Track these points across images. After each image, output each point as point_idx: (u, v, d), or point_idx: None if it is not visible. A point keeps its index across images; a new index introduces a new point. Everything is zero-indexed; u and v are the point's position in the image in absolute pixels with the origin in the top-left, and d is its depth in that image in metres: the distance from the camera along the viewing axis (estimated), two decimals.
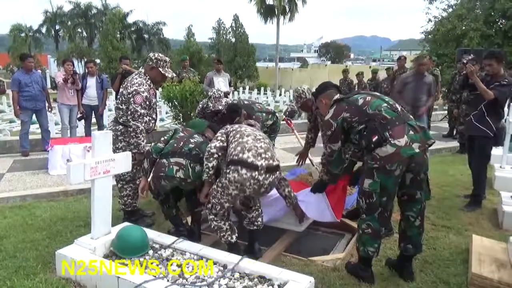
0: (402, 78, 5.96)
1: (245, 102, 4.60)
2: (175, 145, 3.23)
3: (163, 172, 3.11)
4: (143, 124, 3.50)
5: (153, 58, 3.60)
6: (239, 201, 3.10)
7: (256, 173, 2.72)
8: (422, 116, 5.73)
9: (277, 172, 2.89)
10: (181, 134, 3.38)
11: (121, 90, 3.63)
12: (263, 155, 2.79)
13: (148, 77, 3.60)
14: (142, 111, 3.47)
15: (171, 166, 3.10)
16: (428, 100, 5.76)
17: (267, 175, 2.76)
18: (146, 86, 3.53)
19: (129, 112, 3.46)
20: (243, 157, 2.75)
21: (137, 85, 3.48)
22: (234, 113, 4.33)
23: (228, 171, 2.78)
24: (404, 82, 5.77)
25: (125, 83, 3.62)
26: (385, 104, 2.66)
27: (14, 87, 6.46)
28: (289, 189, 3.28)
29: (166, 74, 3.63)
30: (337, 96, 2.90)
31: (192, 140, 3.27)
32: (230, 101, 4.77)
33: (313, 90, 3.33)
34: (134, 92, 3.44)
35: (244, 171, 2.71)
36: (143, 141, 3.53)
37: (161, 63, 3.58)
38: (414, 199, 2.71)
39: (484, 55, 4.43)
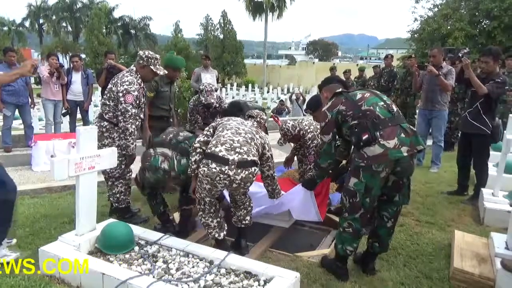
0: (421, 74, 5.81)
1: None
2: (164, 137, 3.25)
3: (148, 161, 3.08)
4: (134, 125, 3.45)
5: (144, 56, 3.54)
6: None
7: (226, 167, 2.63)
8: (441, 112, 5.56)
9: (252, 168, 2.74)
10: (171, 129, 3.40)
11: (109, 86, 3.57)
12: (237, 150, 2.70)
13: (139, 75, 3.55)
14: (134, 110, 3.41)
15: (156, 156, 3.08)
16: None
17: (239, 170, 2.66)
18: (136, 85, 3.47)
19: (119, 112, 3.40)
20: (215, 151, 2.69)
21: (127, 83, 3.42)
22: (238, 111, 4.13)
23: (201, 165, 2.74)
24: (422, 77, 5.72)
25: (115, 79, 3.55)
26: (382, 103, 2.61)
27: None
28: (274, 187, 3.24)
29: (158, 72, 3.60)
30: (339, 89, 2.87)
31: (181, 134, 3.28)
32: (220, 96, 4.76)
33: (301, 101, 3.33)
34: (124, 91, 3.38)
35: (213, 165, 2.65)
36: (132, 143, 3.46)
37: (152, 60, 3.54)
38: (391, 201, 2.71)
39: (481, 52, 4.43)
